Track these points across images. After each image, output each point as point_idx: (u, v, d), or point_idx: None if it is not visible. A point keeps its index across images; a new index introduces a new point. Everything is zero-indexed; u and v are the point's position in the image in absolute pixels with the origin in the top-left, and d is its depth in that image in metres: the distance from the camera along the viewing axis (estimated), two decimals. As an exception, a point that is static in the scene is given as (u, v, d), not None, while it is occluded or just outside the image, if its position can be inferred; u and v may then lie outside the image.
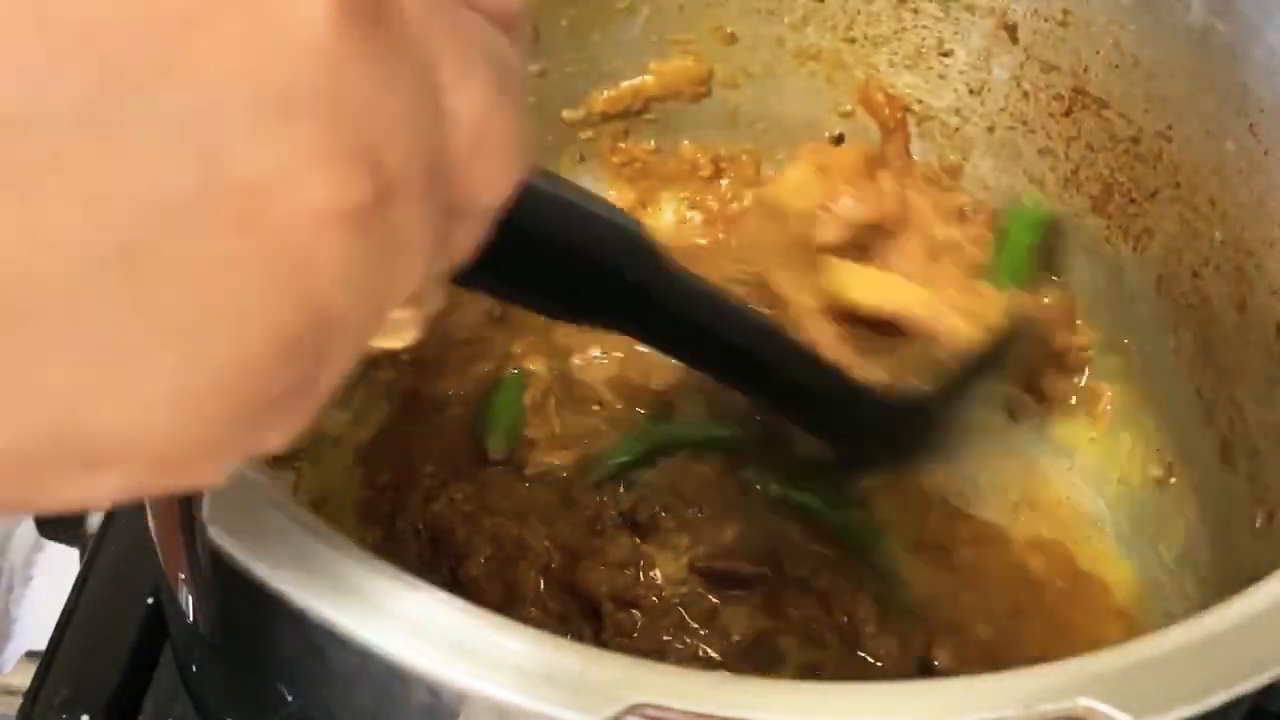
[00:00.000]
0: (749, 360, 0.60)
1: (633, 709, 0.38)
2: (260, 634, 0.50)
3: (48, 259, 0.26)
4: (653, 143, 0.86)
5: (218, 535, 0.40)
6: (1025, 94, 0.79)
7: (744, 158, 0.87)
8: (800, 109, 0.85)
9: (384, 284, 0.30)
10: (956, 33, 0.80)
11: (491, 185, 0.33)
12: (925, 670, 0.68)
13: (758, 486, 0.74)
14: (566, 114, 0.84)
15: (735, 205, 0.86)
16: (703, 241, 0.84)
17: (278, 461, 0.69)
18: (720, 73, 0.84)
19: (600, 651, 0.40)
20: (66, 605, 0.67)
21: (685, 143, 0.86)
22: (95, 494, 0.30)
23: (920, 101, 0.83)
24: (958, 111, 0.82)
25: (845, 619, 0.70)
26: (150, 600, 0.67)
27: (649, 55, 0.83)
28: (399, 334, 0.36)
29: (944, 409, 0.70)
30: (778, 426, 0.72)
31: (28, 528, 0.89)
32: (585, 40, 0.82)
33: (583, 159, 0.85)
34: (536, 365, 0.77)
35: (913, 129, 0.84)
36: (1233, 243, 0.70)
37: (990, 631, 0.71)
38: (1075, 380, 0.80)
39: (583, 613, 0.68)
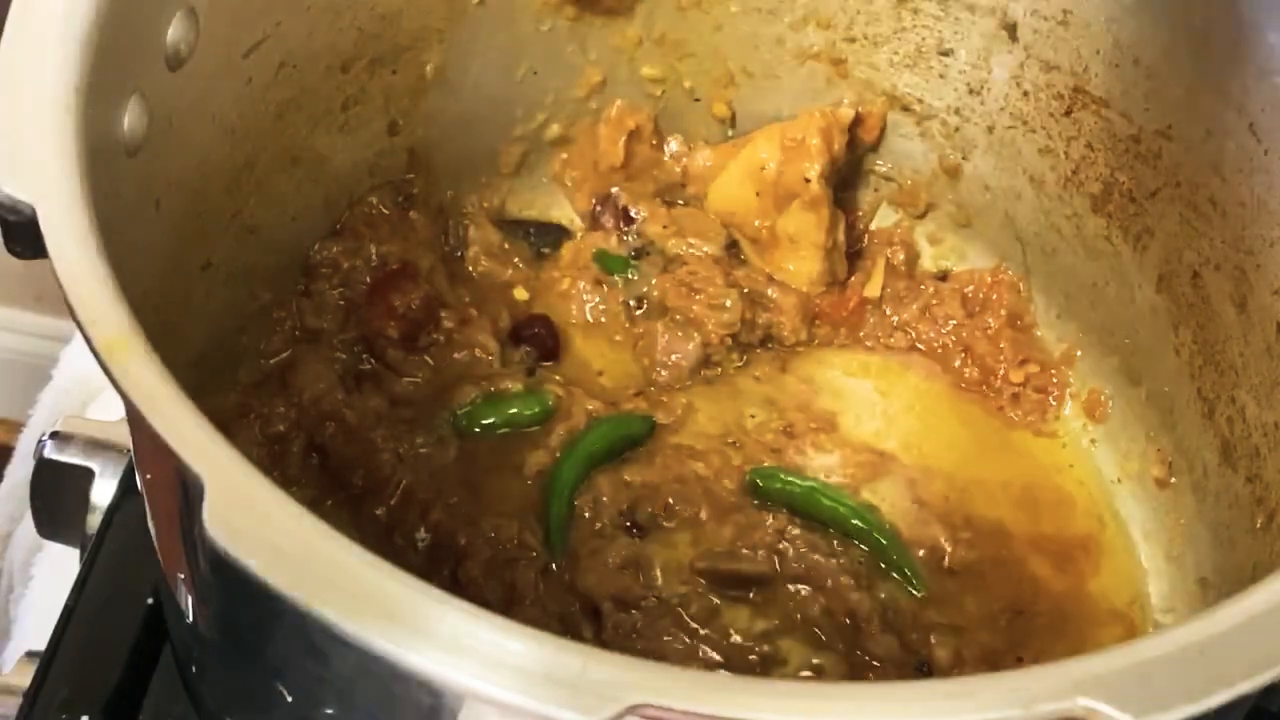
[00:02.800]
0: None
1: (633, 709, 0.38)
2: (260, 634, 0.50)
3: None
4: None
5: (218, 535, 0.40)
6: (1025, 93, 0.79)
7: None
8: (800, 109, 0.85)
9: None
10: (956, 32, 0.80)
11: None
12: (925, 670, 0.68)
13: (758, 484, 0.74)
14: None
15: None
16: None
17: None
18: (720, 72, 0.84)
19: (600, 651, 0.40)
20: (66, 605, 0.67)
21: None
22: None
23: (920, 101, 0.83)
24: (958, 111, 0.82)
25: (845, 619, 0.70)
26: (150, 600, 0.66)
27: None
28: None
29: None
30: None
31: (28, 528, 0.89)
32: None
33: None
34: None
35: (913, 129, 0.84)
36: (1233, 242, 0.70)
37: (990, 632, 0.71)
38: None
39: (583, 613, 0.68)
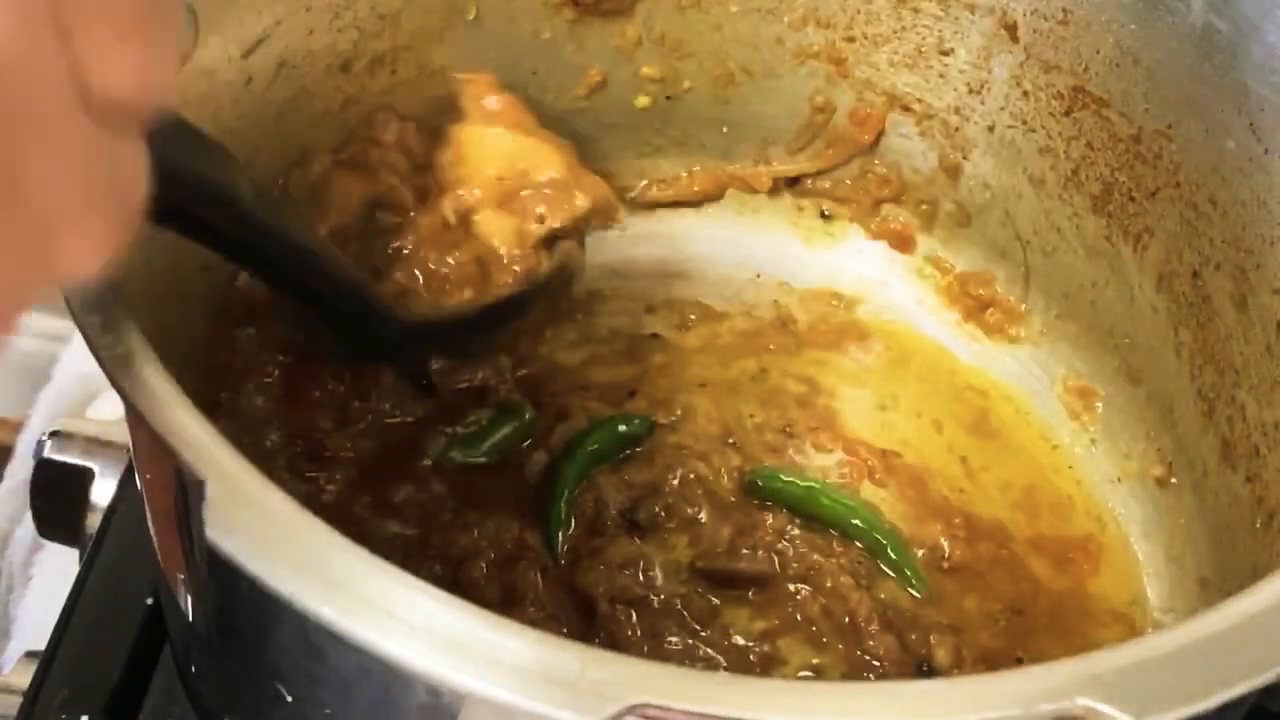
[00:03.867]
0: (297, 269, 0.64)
1: (632, 709, 0.38)
2: (260, 634, 0.50)
3: None
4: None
5: (217, 535, 0.40)
6: (1025, 93, 0.79)
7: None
8: (799, 107, 0.85)
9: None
10: (956, 32, 0.80)
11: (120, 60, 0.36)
12: (925, 670, 0.68)
13: (758, 484, 0.74)
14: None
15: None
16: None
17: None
18: (720, 72, 0.84)
19: (600, 651, 0.40)
20: (66, 605, 0.67)
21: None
22: None
23: (920, 101, 0.83)
24: (958, 111, 0.82)
25: (845, 619, 0.70)
26: (150, 600, 0.67)
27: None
28: None
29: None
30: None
31: (28, 528, 0.89)
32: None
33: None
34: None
35: (913, 128, 0.84)
36: (1233, 242, 0.70)
37: (990, 632, 0.71)
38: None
39: (582, 613, 0.68)
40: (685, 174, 0.88)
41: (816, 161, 0.87)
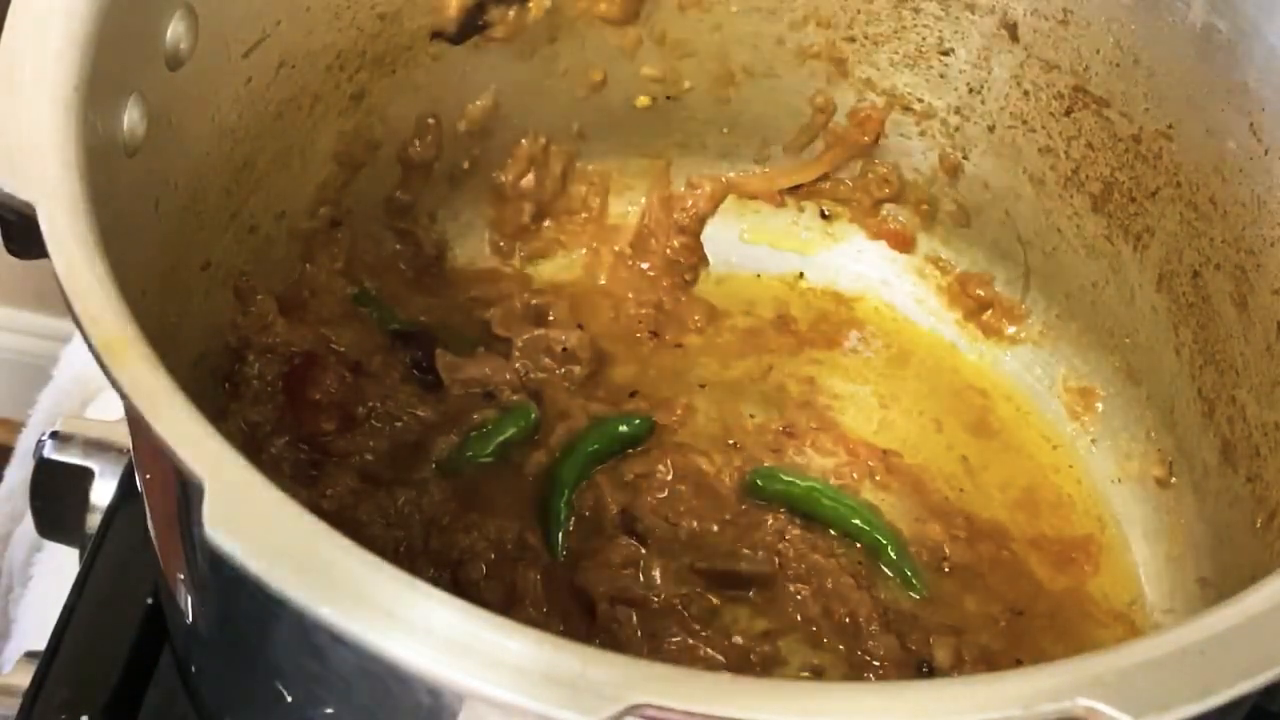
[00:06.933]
0: None
1: (632, 709, 0.38)
2: (260, 634, 0.50)
3: None
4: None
5: (217, 535, 0.40)
6: (1026, 93, 0.79)
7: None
8: (800, 107, 0.85)
9: None
10: (957, 32, 0.80)
11: None
12: (925, 671, 0.68)
13: (759, 484, 0.74)
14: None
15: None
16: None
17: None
18: (720, 72, 0.84)
19: (600, 651, 0.40)
20: (66, 605, 0.67)
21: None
22: None
23: (920, 100, 0.83)
24: (958, 110, 0.82)
25: (845, 619, 0.70)
26: (150, 600, 0.66)
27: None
28: None
29: None
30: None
31: (28, 528, 0.89)
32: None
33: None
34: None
35: (913, 128, 0.84)
36: (1233, 242, 0.70)
37: (990, 632, 0.71)
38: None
39: (582, 613, 0.68)
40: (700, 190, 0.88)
41: (818, 166, 0.87)
